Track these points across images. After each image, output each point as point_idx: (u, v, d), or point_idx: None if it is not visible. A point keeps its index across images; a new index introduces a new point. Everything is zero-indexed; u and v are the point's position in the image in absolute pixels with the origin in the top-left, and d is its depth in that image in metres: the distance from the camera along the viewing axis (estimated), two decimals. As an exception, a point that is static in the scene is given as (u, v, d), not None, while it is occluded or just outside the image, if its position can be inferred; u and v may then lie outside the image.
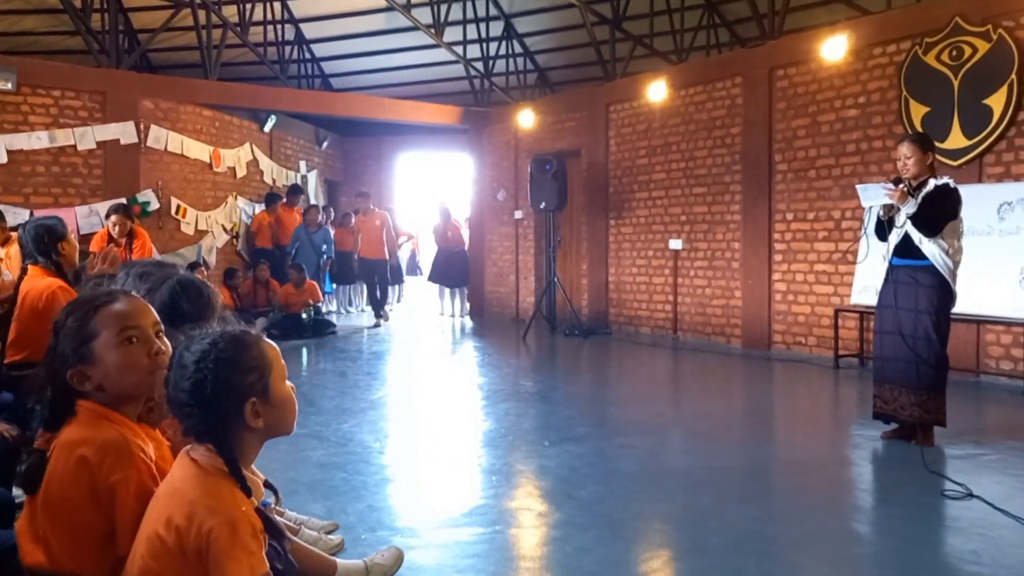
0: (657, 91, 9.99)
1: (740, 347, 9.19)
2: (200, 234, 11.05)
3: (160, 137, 10.40)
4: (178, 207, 10.66)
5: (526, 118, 11.98)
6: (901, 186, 4.72)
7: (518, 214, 12.62)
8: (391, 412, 6.17)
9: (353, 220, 12.75)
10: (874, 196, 4.88)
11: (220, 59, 11.25)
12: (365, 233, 11.98)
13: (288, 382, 1.94)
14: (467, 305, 13.36)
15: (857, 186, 5.14)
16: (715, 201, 9.61)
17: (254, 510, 1.77)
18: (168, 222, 10.54)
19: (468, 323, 12.51)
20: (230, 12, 11.83)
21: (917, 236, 4.72)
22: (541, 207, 10.85)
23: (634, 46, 11.22)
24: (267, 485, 1.95)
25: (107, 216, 7.38)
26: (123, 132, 10.01)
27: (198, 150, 11.05)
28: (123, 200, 9.71)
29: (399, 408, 6.35)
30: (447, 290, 13.38)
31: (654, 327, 10.42)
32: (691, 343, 9.68)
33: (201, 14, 11.12)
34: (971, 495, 3.91)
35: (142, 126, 10.17)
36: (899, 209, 4.78)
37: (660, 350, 9.32)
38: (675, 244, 10.03)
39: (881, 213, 4.90)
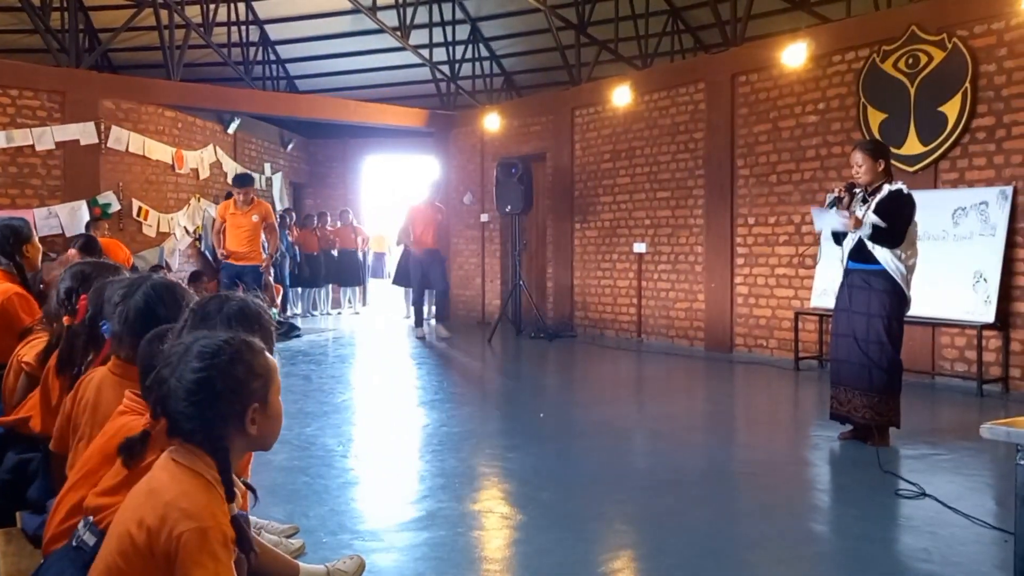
0: (622, 96, 10.07)
1: (703, 349, 9.29)
2: (162, 236, 10.92)
3: (121, 138, 10.27)
4: (140, 209, 10.54)
5: (492, 121, 12.01)
6: (854, 215, 4.79)
7: (484, 217, 12.64)
8: (354, 415, 6.15)
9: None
10: (828, 221, 4.96)
11: (183, 60, 11.13)
12: (233, 230, 8.77)
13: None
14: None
15: (812, 209, 5.21)
16: (678, 205, 9.71)
17: (230, 520, 1.75)
18: (129, 224, 10.41)
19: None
20: (193, 12, 11.71)
21: (871, 243, 4.81)
22: (507, 210, 10.88)
23: (599, 51, 11.30)
24: (247, 487, 1.95)
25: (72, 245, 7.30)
26: (83, 132, 9.87)
27: (160, 151, 10.92)
28: (92, 215, 9.61)
29: (362, 411, 6.34)
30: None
31: (619, 330, 10.49)
32: (655, 346, 9.77)
33: (163, 14, 11.00)
34: (924, 494, 3.99)
35: (103, 127, 10.03)
36: (855, 212, 4.89)
37: (624, 353, 9.39)
38: (639, 248, 10.12)
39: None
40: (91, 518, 1.92)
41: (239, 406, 1.79)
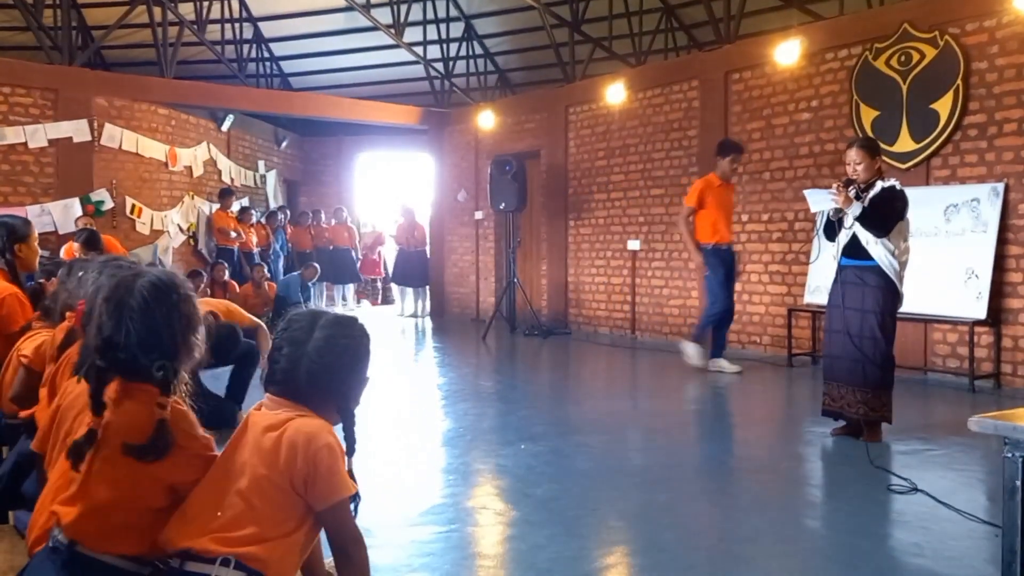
0: (616, 93, 10.08)
1: (697, 346, 9.30)
2: (156, 234, 10.91)
3: (114, 135, 10.25)
4: (133, 206, 10.52)
5: (486, 119, 12.01)
6: (848, 189, 4.83)
7: (478, 215, 12.64)
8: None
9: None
10: (821, 201, 4.99)
11: (176, 57, 11.11)
12: None
13: None
14: (428, 304, 13.35)
15: (804, 191, 5.26)
16: (672, 202, 9.72)
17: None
18: (123, 222, 10.39)
19: (428, 323, 12.51)
20: (187, 10, 11.68)
21: (864, 237, 4.83)
22: (501, 208, 10.89)
23: (593, 48, 11.31)
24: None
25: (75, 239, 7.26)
26: (76, 130, 9.85)
27: (154, 149, 10.91)
28: (85, 213, 9.57)
29: (357, 408, 6.33)
30: (409, 290, 13.37)
31: (613, 327, 10.51)
32: (649, 343, 9.78)
33: (157, 11, 10.97)
34: (916, 489, 4.01)
35: (95, 124, 10.01)
36: (844, 191, 4.89)
37: (618, 350, 9.40)
38: (633, 245, 10.13)
39: (831, 213, 5.01)
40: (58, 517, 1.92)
41: (363, 377, 2.05)
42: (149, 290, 1.93)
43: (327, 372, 1.95)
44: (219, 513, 1.83)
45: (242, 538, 1.80)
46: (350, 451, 1.97)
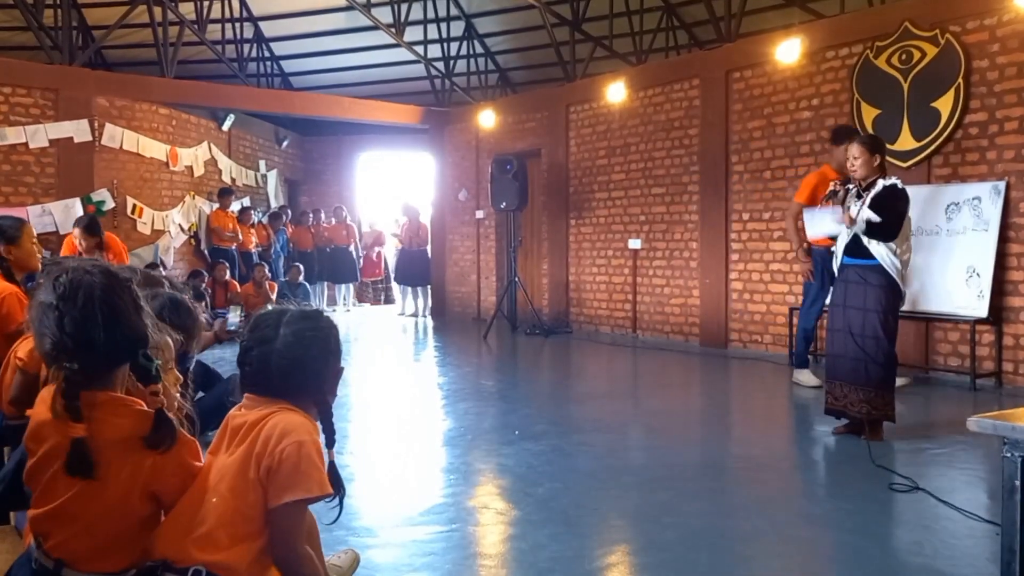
0: (616, 92, 10.07)
1: (698, 345, 9.31)
2: (157, 234, 10.91)
3: (115, 135, 10.26)
4: (134, 206, 10.52)
5: (487, 118, 12.01)
6: (847, 213, 4.82)
7: (479, 214, 12.64)
8: (350, 411, 6.15)
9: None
10: (821, 224, 5.00)
11: (177, 57, 11.11)
12: None
13: None
14: (430, 304, 13.35)
15: (805, 211, 5.26)
16: (673, 201, 9.72)
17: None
18: (124, 222, 10.40)
19: (429, 322, 12.51)
20: (187, 9, 11.68)
21: (867, 237, 4.83)
22: (502, 207, 10.89)
23: (594, 47, 11.30)
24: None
25: (74, 225, 7.27)
26: (76, 130, 9.85)
27: (154, 149, 10.91)
28: (87, 212, 9.56)
29: (358, 407, 6.34)
30: (410, 289, 13.38)
31: (614, 326, 10.50)
32: (650, 342, 9.78)
33: (157, 11, 10.97)
34: (917, 488, 4.01)
35: (96, 124, 10.01)
36: (849, 208, 4.91)
37: (620, 349, 9.40)
38: (634, 244, 10.13)
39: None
40: (39, 538, 1.87)
41: (335, 368, 2.05)
42: (107, 279, 1.82)
43: (298, 366, 1.95)
44: (199, 514, 1.83)
45: (216, 540, 1.80)
46: (330, 443, 1.98)
